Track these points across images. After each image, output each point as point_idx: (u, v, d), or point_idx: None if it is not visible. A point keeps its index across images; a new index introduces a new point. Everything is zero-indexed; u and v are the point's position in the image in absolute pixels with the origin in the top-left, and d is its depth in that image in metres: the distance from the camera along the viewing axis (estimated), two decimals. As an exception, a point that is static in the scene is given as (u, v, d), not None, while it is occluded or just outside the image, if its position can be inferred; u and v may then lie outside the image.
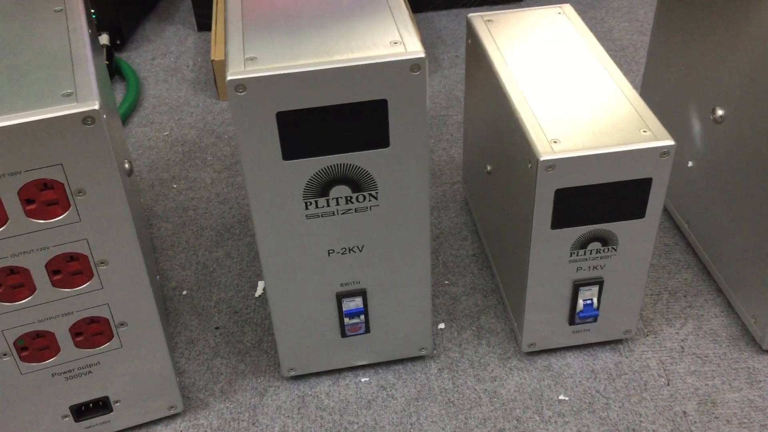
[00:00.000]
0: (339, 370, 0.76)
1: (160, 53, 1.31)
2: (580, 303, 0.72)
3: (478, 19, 0.82)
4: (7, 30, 0.62)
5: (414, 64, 0.57)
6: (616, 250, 0.69)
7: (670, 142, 0.64)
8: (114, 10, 1.27)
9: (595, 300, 0.72)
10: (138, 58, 1.30)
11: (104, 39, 1.25)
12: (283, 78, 0.56)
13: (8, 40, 0.60)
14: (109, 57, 1.23)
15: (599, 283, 0.71)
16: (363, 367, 0.77)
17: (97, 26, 1.26)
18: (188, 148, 1.08)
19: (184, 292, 0.86)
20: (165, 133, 1.12)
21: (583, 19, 1.36)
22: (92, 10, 1.25)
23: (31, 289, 0.59)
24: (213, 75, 1.19)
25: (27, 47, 0.59)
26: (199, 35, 1.36)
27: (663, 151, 0.64)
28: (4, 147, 0.52)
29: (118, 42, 1.30)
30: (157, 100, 1.19)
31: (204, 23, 1.36)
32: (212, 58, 1.16)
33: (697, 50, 0.80)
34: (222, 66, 1.15)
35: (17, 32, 0.61)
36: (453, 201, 0.98)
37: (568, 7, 0.83)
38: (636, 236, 0.69)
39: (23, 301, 0.60)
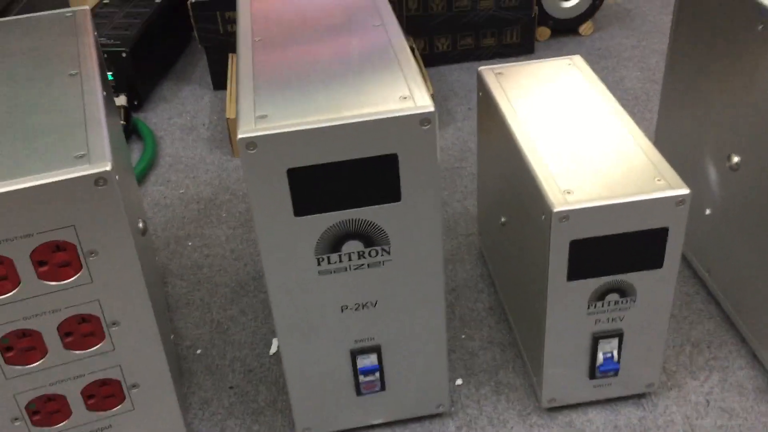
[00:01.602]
0: (355, 429, 0.75)
1: (177, 112, 1.33)
2: (600, 356, 0.70)
3: (489, 72, 0.83)
4: (23, 93, 0.63)
5: (424, 118, 0.57)
6: (635, 301, 0.68)
7: (686, 191, 0.63)
8: (132, 72, 1.29)
9: (615, 353, 0.70)
10: (155, 117, 1.32)
11: (122, 100, 1.27)
12: (293, 135, 0.56)
13: (24, 102, 0.61)
14: (127, 117, 1.25)
15: (619, 335, 0.70)
16: (379, 425, 0.75)
17: (114, 88, 1.29)
18: (203, 206, 1.09)
19: (199, 351, 0.85)
20: (181, 191, 1.12)
21: (595, 68, 1.37)
22: (109, 72, 1.28)
23: (43, 352, 0.59)
24: (228, 132, 1.21)
25: (41, 110, 0.60)
26: (215, 94, 1.38)
27: (679, 200, 0.63)
28: (17, 210, 0.52)
29: (136, 102, 1.32)
30: (174, 158, 1.20)
31: (220, 82, 1.38)
32: (227, 116, 1.18)
33: (710, 97, 0.80)
34: (236, 124, 1.16)
35: (33, 95, 0.62)
36: (468, 253, 0.97)
37: (578, 59, 0.83)
38: (655, 286, 0.67)
39: (35, 364, 0.59)
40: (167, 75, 1.46)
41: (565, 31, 1.49)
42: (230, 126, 1.18)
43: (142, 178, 1.15)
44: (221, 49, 1.35)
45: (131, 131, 1.26)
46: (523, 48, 1.43)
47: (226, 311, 0.91)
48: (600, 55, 1.42)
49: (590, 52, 1.43)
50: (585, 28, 1.49)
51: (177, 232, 1.04)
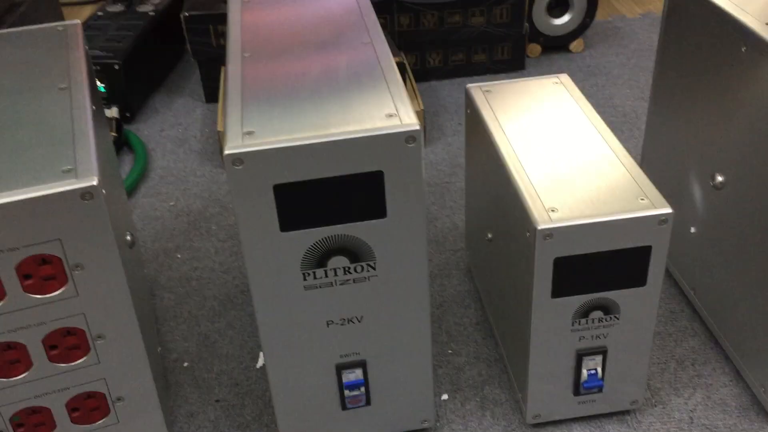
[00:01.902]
0: (340, 444, 0.75)
1: (169, 125, 1.34)
2: (585, 373, 0.71)
3: (477, 89, 0.83)
4: (11, 107, 0.63)
5: (409, 136, 0.58)
6: (618, 319, 0.69)
7: (668, 210, 0.63)
8: (124, 84, 1.30)
9: (599, 369, 0.71)
10: (147, 129, 1.32)
11: (114, 112, 1.28)
12: (280, 151, 0.57)
13: (12, 116, 0.62)
14: (119, 129, 1.25)
15: (603, 352, 0.70)
16: (365, 440, 0.75)
17: (107, 100, 1.29)
18: (193, 218, 1.09)
19: (186, 364, 0.86)
20: (171, 203, 1.13)
21: (585, 86, 1.38)
22: (102, 84, 1.28)
23: (27, 365, 0.59)
24: (219, 145, 1.21)
25: (29, 124, 0.61)
26: (207, 107, 1.39)
27: (661, 219, 0.63)
28: (3, 223, 0.53)
29: (128, 114, 1.33)
30: (165, 170, 1.21)
31: (212, 95, 1.39)
32: (219, 128, 1.18)
33: (695, 117, 0.81)
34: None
35: (21, 109, 0.63)
36: (456, 268, 0.97)
37: (565, 77, 0.84)
38: (638, 304, 0.68)
39: (19, 377, 0.59)
40: (159, 87, 1.46)
41: (555, 48, 1.50)
42: (221, 139, 1.18)
43: (132, 190, 1.16)
44: (214, 62, 1.36)
45: (123, 143, 1.27)
46: (514, 64, 1.44)
47: (214, 324, 0.91)
48: (590, 72, 1.43)
49: (580, 69, 1.44)
50: (575, 46, 1.50)
51: (166, 244, 1.04)
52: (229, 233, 1.06)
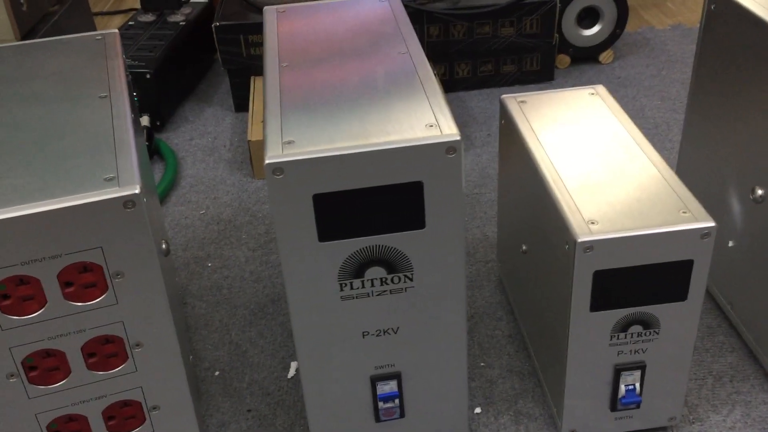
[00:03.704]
0: (373, 456, 0.74)
1: (198, 134, 1.34)
2: (622, 388, 0.70)
3: (512, 100, 0.83)
4: (52, 115, 0.64)
5: (450, 147, 0.58)
6: (658, 334, 0.68)
7: (711, 224, 0.62)
8: (155, 93, 1.31)
9: (637, 385, 0.70)
10: (177, 138, 1.33)
11: (145, 120, 1.29)
12: (320, 161, 0.57)
13: (54, 125, 0.62)
14: (149, 138, 1.26)
15: (641, 367, 0.69)
16: (397, 452, 0.75)
17: (138, 108, 1.30)
18: (223, 227, 1.09)
19: (217, 373, 0.85)
20: (201, 212, 1.13)
21: (615, 97, 1.37)
22: (134, 93, 1.29)
23: (66, 372, 0.59)
24: (249, 154, 1.22)
25: (71, 132, 0.61)
26: (236, 116, 1.39)
27: (704, 233, 0.62)
28: (46, 231, 0.53)
29: (158, 123, 1.34)
30: (195, 179, 1.21)
31: (241, 104, 1.40)
32: (248, 138, 1.19)
33: (734, 129, 0.80)
34: (258, 146, 1.17)
35: (63, 117, 0.63)
36: (487, 280, 0.97)
37: (601, 88, 0.84)
38: (678, 319, 0.67)
39: (58, 384, 0.59)
40: (189, 96, 1.47)
41: (585, 59, 1.49)
42: (251, 148, 1.18)
43: (163, 198, 1.16)
44: (243, 71, 1.36)
45: (153, 152, 1.27)
46: (543, 75, 1.43)
47: (245, 333, 0.91)
48: (620, 83, 1.42)
49: (610, 81, 1.43)
50: (605, 57, 1.49)
51: (197, 252, 1.05)
52: (259, 242, 1.06)
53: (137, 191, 0.54)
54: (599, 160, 0.72)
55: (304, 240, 0.60)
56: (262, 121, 0.62)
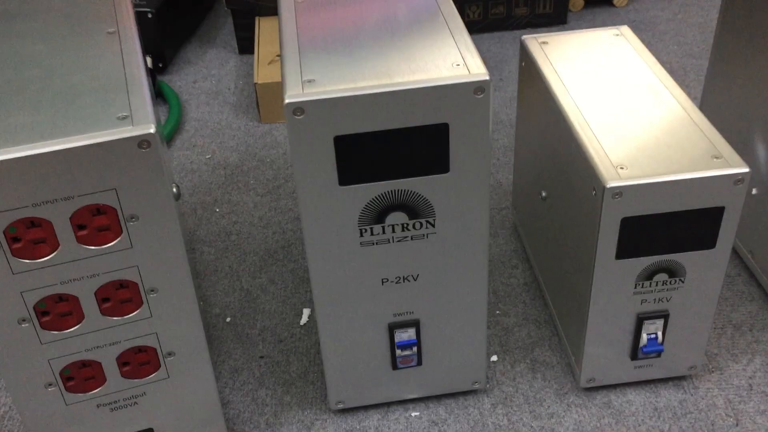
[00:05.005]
0: (388, 404, 0.74)
1: (202, 76, 1.31)
2: (644, 337, 0.69)
3: (533, 41, 0.80)
4: (60, 52, 0.61)
5: (478, 87, 0.55)
6: (683, 282, 0.66)
7: (745, 169, 0.60)
8: (157, 34, 1.27)
9: (660, 334, 0.69)
10: (180, 81, 1.30)
11: (147, 62, 1.25)
12: (343, 101, 0.54)
13: (61, 62, 0.59)
14: (152, 80, 1.23)
15: (665, 316, 0.68)
16: (413, 400, 0.74)
17: (140, 49, 1.26)
18: (230, 172, 1.07)
19: (228, 319, 0.84)
20: (207, 157, 1.10)
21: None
22: (136, 33, 1.25)
23: (79, 318, 0.58)
24: (255, 98, 1.18)
25: (80, 69, 0.58)
26: (240, 58, 1.36)
27: (737, 179, 0.60)
28: (58, 171, 0.51)
29: (161, 65, 1.30)
30: (199, 123, 1.18)
31: (245, 46, 1.36)
32: (255, 81, 1.15)
33: (762, 72, 0.77)
34: (266, 89, 1.14)
35: (71, 53, 0.60)
36: (502, 227, 0.95)
37: (626, 29, 0.81)
38: (705, 267, 0.65)
39: (71, 329, 0.58)
40: (192, 38, 1.43)
41: (598, 2, 1.45)
42: (259, 91, 1.15)
43: (168, 142, 1.13)
44: (248, 13, 1.32)
45: (156, 94, 1.24)
46: (555, 18, 1.39)
47: (255, 280, 0.89)
48: (635, 27, 1.38)
49: (624, 24, 1.39)
50: (620, 0, 1.45)
51: (204, 197, 1.02)
52: (267, 187, 1.04)
53: (152, 131, 0.51)
54: (626, 103, 0.69)
55: (323, 184, 0.58)
56: (279, 59, 0.59)
